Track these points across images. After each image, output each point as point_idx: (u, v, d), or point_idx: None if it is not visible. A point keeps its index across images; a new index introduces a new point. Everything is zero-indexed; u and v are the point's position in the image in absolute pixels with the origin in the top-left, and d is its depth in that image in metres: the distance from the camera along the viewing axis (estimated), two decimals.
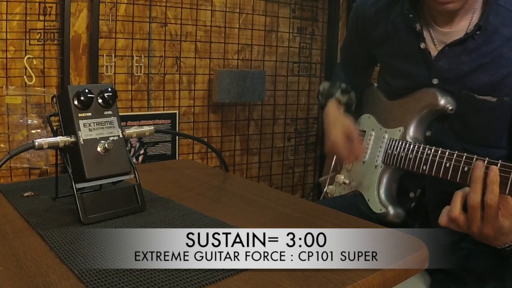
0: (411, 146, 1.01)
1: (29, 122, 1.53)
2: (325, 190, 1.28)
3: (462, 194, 0.83)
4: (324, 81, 1.50)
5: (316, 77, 2.25)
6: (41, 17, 1.52)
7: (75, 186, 0.72)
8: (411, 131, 1.06)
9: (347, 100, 1.22)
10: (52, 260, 0.61)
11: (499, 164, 0.79)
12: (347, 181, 1.22)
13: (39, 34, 1.52)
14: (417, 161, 0.99)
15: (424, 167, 0.96)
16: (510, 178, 0.77)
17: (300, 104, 2.22)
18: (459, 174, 0.88)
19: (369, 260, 0.64)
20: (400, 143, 1.05)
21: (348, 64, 1.34)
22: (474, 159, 0.82)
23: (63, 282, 0.55)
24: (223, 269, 0.59)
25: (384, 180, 1.09)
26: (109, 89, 0.74)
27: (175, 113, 1.84)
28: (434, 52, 1.02)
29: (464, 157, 0.85)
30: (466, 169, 0.83)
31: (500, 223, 0.79)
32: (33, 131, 1.54)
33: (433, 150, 0.95)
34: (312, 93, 2.25)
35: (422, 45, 1.02)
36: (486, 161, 0.80)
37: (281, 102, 2.16)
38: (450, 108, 0.99)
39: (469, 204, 0.80)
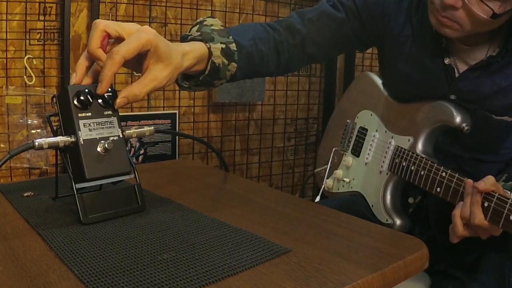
0: (423, 162, 0.98)
1: (29, 122, 1.53)
2: (323, 186, 1.27)
3: (459, 213, 0.85)
4: (323, 76, 1.41)
5: (316, 77, 2.25)
6: (41, 17, 1.52)
7: (75, 186, 0.72)
8: (421, 143, 1.02)
9: (220, 64, 0.83)
10: (52, 260, 0.61)
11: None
12: (346, 180, 1.21)
13: (39, 34, 1.52)
14: (429, 180, 0.96)
15: (438, 190, 0.94)
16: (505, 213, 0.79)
17: (300, 104, 2.22)
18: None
19: (369, 260, 0.64)
20: (410, 155, 1.01)
21: (311, 30, 1.00)
22: (495, 197, 0.81)
23: (63, 282, 0.55)
24: (223, 269, 0.59)
25: (390, 189, 1.07)
26: (109, 89, 0.74)
27: (175, 113, 1.84)
28: (457, 68, 0.98)
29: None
30: (486, 204, 0.82)
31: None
32: (33, 131, 1.54)
33: (448, 174, 0.92)
34: (312, 93, 2.25)
35: (447, 61, 0.98)
36: (496, 197, 0.81)
37: (281, 102, 2.16)
38: (466, 128, 0.96)
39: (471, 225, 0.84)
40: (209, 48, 0.80)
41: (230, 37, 0.84)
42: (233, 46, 0.84)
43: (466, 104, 0.97)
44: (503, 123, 0.96)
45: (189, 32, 0.84)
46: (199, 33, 0.82)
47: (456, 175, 0.90)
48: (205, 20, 0.85)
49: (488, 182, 0.82)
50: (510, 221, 0.78)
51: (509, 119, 0.95)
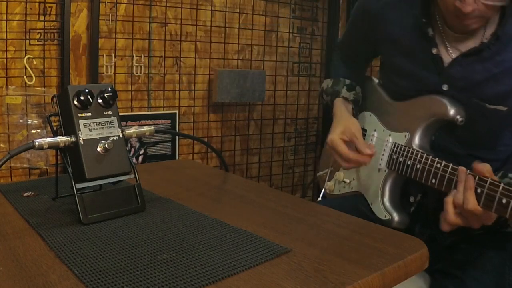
0: (419, 155, 0.99)
1: (29, 122, 1.53)
2: (324, 187, 1.28)
3: (452, 200, 0.85)
4: (326, 78, 1.46)
5: (316, 77, 2.25)
6: (41, 17, 1.52)
7: (75, 186, 0.72)
8: (417, 138, 1.03)
9: (354, 97, 1.18)
10: (52, 260, 0.61)
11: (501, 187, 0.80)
12: (347, 180, 1.21)
13: (39, 34, 1.52)
14: (425, 173, 0.96)
15: (433, 181, 0.94)
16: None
17: (300, 104, 2.22)
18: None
19: (369, 260, 0.64)
20: (407, 150, 1.02)
21: (349, 57, 1.28)
22: (487, 183, 0.81)
23: (63, 282, 0.55)
24: (223, 269, 0.59)
25: (388, 185, 1.07)
26: (109, 89, 0.74)
27: (175, 113, 1.84)
28: (446, 58, 0.99)
29: (477, 178, 0.84)
30: (479, 191, 0.82)
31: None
32: (33, 131, 1.54)
33: (443, 164, 0.93)
34: (312, 93, 2.25)
35: (434, 51, 0.99)
36: (488, 182, 0.81)
37: (281, 102, 2.16)
38: (460, 120, 0.97)
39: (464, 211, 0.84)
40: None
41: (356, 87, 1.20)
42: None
43: (459, 94, 0.98)
44: (498, 113, 0.96)
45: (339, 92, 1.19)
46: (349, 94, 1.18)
47: (451, 164, 0.92)
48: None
49: (484, 168, 0.83)
50: (503, 204, 0.78)
51: (503, 109, 0.96)
